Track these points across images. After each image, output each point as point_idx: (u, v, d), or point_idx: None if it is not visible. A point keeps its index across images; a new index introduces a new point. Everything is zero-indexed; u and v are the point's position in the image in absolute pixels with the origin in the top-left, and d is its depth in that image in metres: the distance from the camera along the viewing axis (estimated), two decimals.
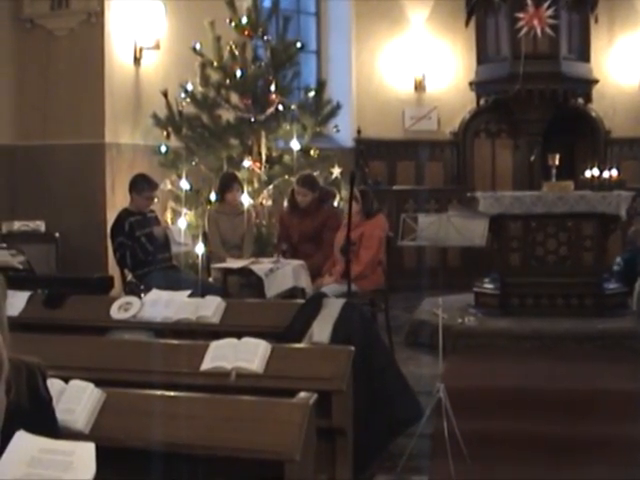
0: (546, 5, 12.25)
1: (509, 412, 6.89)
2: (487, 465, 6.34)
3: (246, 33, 10.33)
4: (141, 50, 10.71)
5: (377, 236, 8.08)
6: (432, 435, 6.49)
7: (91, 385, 3.95)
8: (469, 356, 8.19)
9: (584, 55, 12.81)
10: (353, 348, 4.92)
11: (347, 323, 5.64)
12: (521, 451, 6.50)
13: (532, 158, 12.19)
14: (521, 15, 12.29)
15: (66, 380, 3.96)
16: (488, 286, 9.30)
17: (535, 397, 7.07)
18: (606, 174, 9.76)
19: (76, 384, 3.95)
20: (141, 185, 8.52)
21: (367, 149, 13.21)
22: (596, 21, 13.07)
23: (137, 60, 10.70)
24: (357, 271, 7.73)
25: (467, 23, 13.32)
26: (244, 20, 10.30)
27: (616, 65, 13.39)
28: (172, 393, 4.07)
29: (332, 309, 5.67)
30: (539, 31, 12.26)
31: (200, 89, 10.27)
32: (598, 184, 9.67)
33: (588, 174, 9.88)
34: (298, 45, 10.77)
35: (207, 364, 4.83)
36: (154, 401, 4.03)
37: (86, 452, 2.96)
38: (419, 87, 13.45)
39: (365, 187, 9.86)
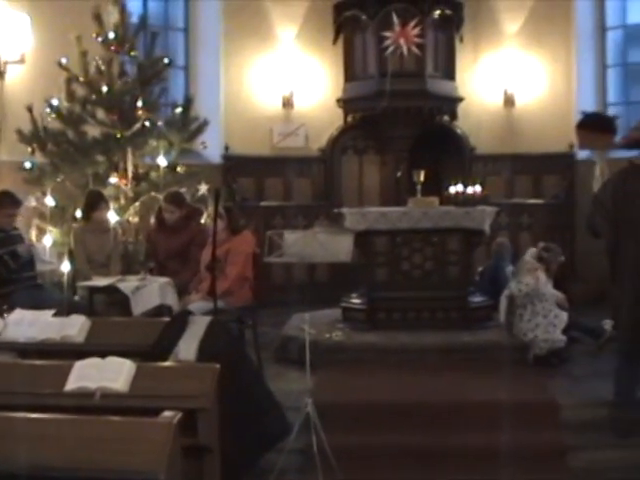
0: (412, 24, 12.46)
1: (378, 425, 6.95)
2: (357, 478, 6.40)
3: (113, 48, 10.23)
4: (5, 64, 10.51)
5: (243, 252, 8.09)
6: (302, 450, 6.51)
7: None
8: (338, 371, 8.24)
9: (449, 73, 13.06)
10: (218, 366, 4.91)
11: (213, 341, 5.63)
12: (391, 463, 6.59)
13: (398, 174, 12.36)
14: (388, 34, 12.47)
15: None
16: (355, 301, 9.39)
17: (403, 410, 7.16)
18: (470, 190, 9.93)
19: None
20: (3, 202, 8.34)
21: (235, 165, 13.17)
22: (461, 40, 13.34)
23: (1, 74, 10.49)
24: (224, 287, 7.72)
25: (335, 41, 13.42)
26: (111, 35, 10.20)
27: (481, 83, 13.67)
28: (37, 415, 4.01)
29: (198, 327, 5.65)
30: (405, 50, 12.46)
31: (66, 104, 10.13)
32: (462, 200, 9.83)
33: (453, 190, 10.05)
34: (166, 61, 10.73)
35: (71, 384, 4.77)
36: (18, 423, 3.96)
37: None
38: (287, 104, 13.48)
39: (230, 204, 9.85)
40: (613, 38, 13.74)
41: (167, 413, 3.95)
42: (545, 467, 6.57)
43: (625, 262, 6.80)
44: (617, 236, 6.88)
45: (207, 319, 5.86)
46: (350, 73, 13.07)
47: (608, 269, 7.09)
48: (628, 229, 6.81)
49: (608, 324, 8.71)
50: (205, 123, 10.76)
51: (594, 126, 8.64)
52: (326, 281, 12.43)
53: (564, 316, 8.68)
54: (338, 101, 13.20)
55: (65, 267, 8.69)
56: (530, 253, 9.21)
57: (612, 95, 13.74)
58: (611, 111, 9.31)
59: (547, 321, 8.43)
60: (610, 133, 8.44)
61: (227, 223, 8.18)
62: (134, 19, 10.66)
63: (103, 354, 4.96)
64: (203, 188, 10.13)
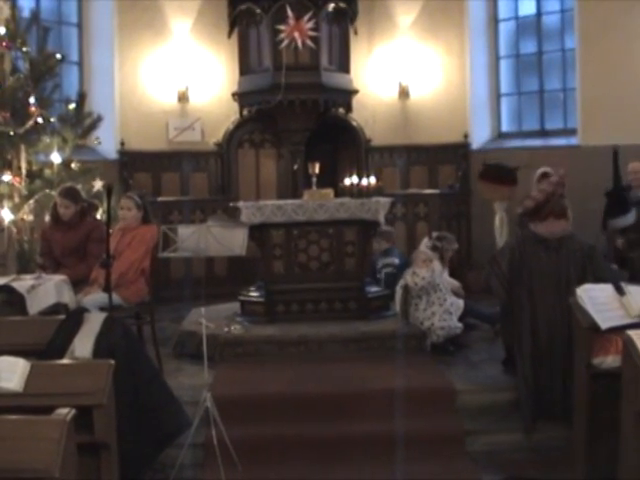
0: (307, 18, 12.51)
1: (279, 417, 7.02)
2: (259, 470, 6.47)
3: (4, 44, 10.04)
4: None
5: (147, 242, 8.07)
6: (203, 444, 6.54)
7: None
8: (237, 364, 8.28)
9: (344, 66, 13.13)
10: (113, 362, 4.90)
11: (109, 337, 5.61)
12: (292, 454, 6.66)
13: (295, 167, 12.42)
14: (282, 27, 12.49)
15: None
16: (254, 294, 9.41)
17: (303, 400, 7.23)
18: (364, 181, 10.03)
19: None
20: None
21: (131, 161, 13.09)
22: (356, 33, 13.45)
23: None
24: (121, 268, 7.78)
25: (230, 34, 13.41)
26: (2, 31, 10.00)
27: (375, 76, 13.79)
28: None
29: (93, 324, 5.63)
30: (300, 43, 12.50)
31: None
32: (357, 191, 9.93)
33: (348, 182, 10.14)
34: (58, 56, 10.55)
35: None
36: None
37: None
38: (183, 98, 13.42)
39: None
40: (505, 30, 14.00)
41: (61, 410, 3.93)
42: (444, 452, 6.70)
43: (522, 324, 7.00)
44: (510, 299, 7.14)
45: (102, 315, 5.84)
46: (245, 67, 13.07)
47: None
48: (524, 294, 7.02)
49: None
50: (99, 119, 10.66)
51: (494, 178, 8.87)
52: (225, 275, 12.44)
53: (460, 303, 8.85)
54: (234, 95, 13.18)
55: None
56: (424, 243, 9.36)
57: (504, 86, 14.01)
58: (512, 162, 9.40)
59: (443, 309, 8.56)
60: (509, 185, 8.66)
61: (143, 213, 8.24)
62: (25, 14, 10.47)
63: None
64: (98, 184, 10.05)
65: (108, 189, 6.32)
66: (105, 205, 6.66)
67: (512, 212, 8.64)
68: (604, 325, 5.72)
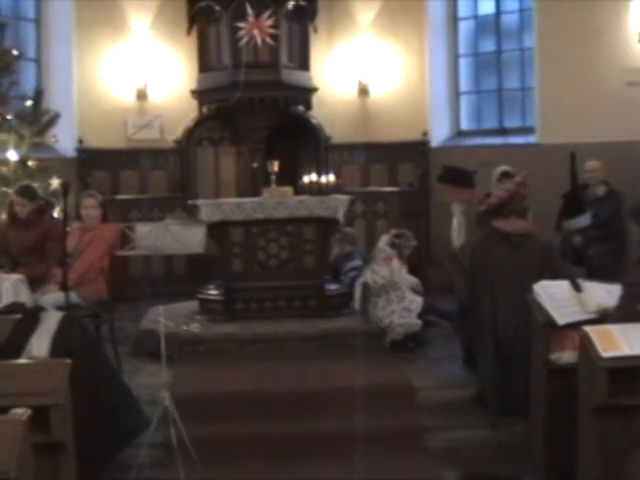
0: (266, 15, 12.48)
1: (238, 415, 7.02)
2: (219, 469, 6.46)
3: None
4: None
5: (107, 241, 8.05)
6: (162, 444, 6.52)
7: None
8: (197, 363, 8.26)
9: (304, 64, 13.11)
10: (70, 361, 4.86)
11: (66, 336, 5.58)
12: (252, 452, 6.67)
13: (254, 165, 12.38)
14: (242, 25, 12.46)
15: None
16: (213, 292, 9.40)
17: (263, 399, 7.24)
18: (323, 179, 10.04)
19: None
20: None
21: (89, 159, 12.98)
22: (315, 31, 13.43)
23: None
24: (82, 267, 7.79)
25: (189, 31, 13.34)
26: None
27: (335, 73, 13.76)
28: None
29: (50, 323, 5.59)
30: (259, 40, 12.47)
31: None
32: (317, 189, 9.94)
33: (307, 179, 10.14)
34: (15, 53, 10.50)
35: None
36: None
37: None
38: (142, 95, 13.32)
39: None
40: (465, 28, 14.02)
41: (16, 410, 3.90)
42: (404, 448, 6.74)
43: (484, 321, 7.05)
44: (472, 297, 7.21)
45: (59, 315, 5.80)
46: (204, 64, 13.02)
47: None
48: (486, 292, 7.08)
49: None
50: (57, 116, 10.60)
51: (453, 180, 8.99)
52: (184, 274, 12.37)
53: (419, 301, 8.86)
54: (193, 92, 13.13)
55: None
56: (383, 240, 9.38)
57: (464, 84, 14.04)
58: (470, 163, 9.50)
59: (402, 306, 8.59)
60: (467, 188, 8.77)
61: (103, 212, 8.23)
62: None
63: None
64: (55, 182, 9.98)
65: (65, 187, 6.29)
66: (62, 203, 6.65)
67: (469, 215, 8.71)
68: (561, 321, 5.77)
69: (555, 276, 6.72)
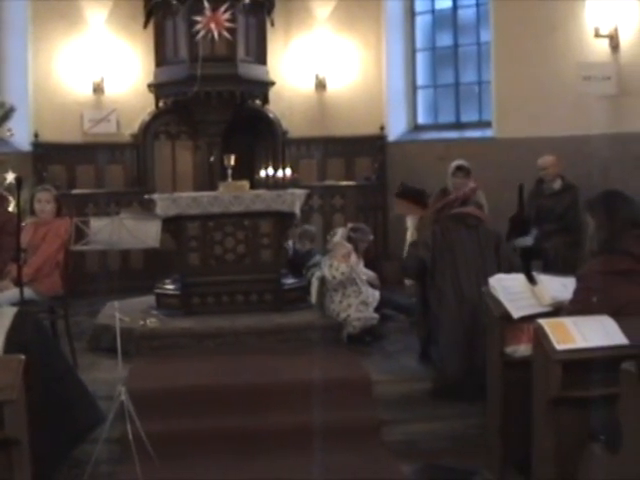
0: (223, 9, 12.40)
1: (196, 410, 7.01)
2: (176, 465, 6.45)
3: None
4: None
5: (62, 234, 7.99)
6: (118, 439, 6.50)
7: None
8: (153, 358, 8.25)
9: (261, 58, 13.04)
10: (24, 357, 4.82)
11: (21, 332, 5.52)
12: (210, 447, 6.66)
13: (211, 159, 12.34)
14: (199, 18, 12.38)
15: None
16: (169, 287, 9.38)
17: (220, 393, 7.23)
18: (280, 173, 10.05)
19: None
20: None
21: (45, 153, 12.89)
22: (272, 25, 13.38)
23: None
24: (37, 262, 7.78)
25: (146, 25, 13.27)
26: None
27: (292, 67, 13.74)
28: None
29: (4, 318, 5.52)
30: (216, 34, 12.39)
31: None
32: (273, 183, 9.96)
33: (263, 174, 10.15)
34: None
35: None
36: None
37: None
38: (98, 89, 13.23)
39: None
40: (422, 23, 14.05)
41: None
42: (361, 442, 6.76)
43: (446, 308, 7.19)
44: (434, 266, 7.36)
45: (14, 310, 5.73)
46: (161, 58, 12.92)
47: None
48: (447, 277, 7.25)
49: None
50: (12, 110, 10.53)
51: (409, 197, 9.51)
52: (140, 268, 12.33)
53: (376, 294, 8.89)
54: (149, 86, 13.05)
55: None
56: (340, 234, 9.39)
57: (421, 78, 14.08)
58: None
59: (359, 300, 8.60)
60: (421, 204, 9.30)
61: (57, 206, 8.19)
62: None
63: None
64: (10, 177, 9.90)
65: (18, 181, 6.24)
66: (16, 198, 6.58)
67: (421, 230, 9.01)
68: (516, 314, 5.80)
69: (508, 262, 7.13)
